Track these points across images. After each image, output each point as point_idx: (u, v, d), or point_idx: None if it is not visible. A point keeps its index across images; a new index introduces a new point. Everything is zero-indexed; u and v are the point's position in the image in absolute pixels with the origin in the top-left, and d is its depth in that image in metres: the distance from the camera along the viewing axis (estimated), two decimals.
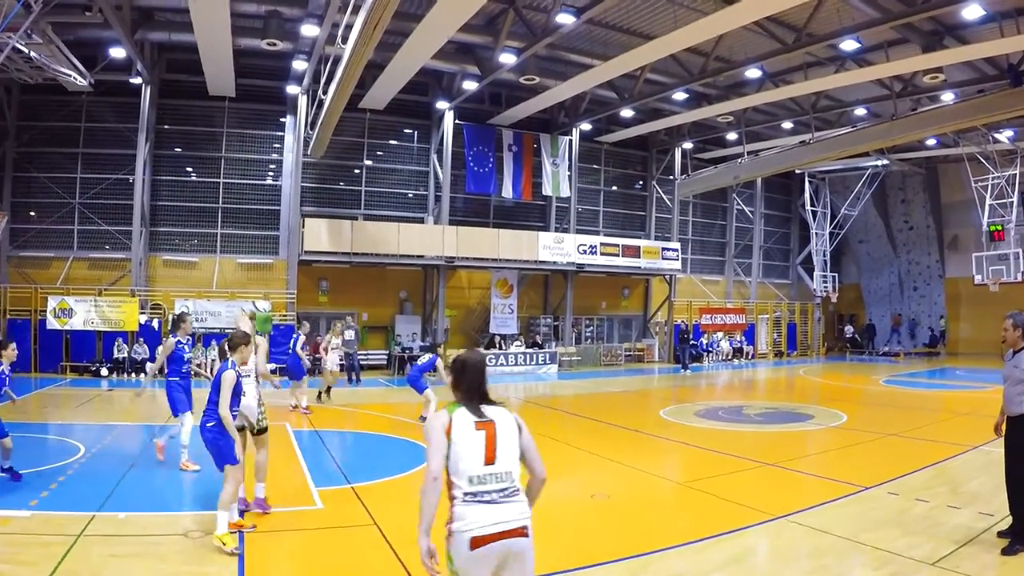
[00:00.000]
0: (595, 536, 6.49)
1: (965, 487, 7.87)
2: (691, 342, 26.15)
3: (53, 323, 20.62)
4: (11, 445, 7.98)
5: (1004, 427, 6.11)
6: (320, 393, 16.17)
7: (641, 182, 29.42)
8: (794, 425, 12.66)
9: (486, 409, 3.32)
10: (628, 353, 27.58)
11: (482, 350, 5.30)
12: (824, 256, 31.76)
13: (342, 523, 6.65)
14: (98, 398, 16.30)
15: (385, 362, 23.37)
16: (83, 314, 20.91)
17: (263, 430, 7.00)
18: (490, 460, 3.18)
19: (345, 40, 13.67)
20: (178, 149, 23.15)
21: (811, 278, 31.88)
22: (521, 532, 3.11)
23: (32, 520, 6.48)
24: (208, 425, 6.12)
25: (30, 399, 14.75)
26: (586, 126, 26.15)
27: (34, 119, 22.35)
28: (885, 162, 28.55)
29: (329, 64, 17.00)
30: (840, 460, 9.79)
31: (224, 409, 6.02)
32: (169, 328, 20.93)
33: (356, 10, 12.75)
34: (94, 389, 17.79)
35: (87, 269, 22.09)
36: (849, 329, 35.18)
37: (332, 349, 16.58)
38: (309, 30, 18.85)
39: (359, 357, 21.29)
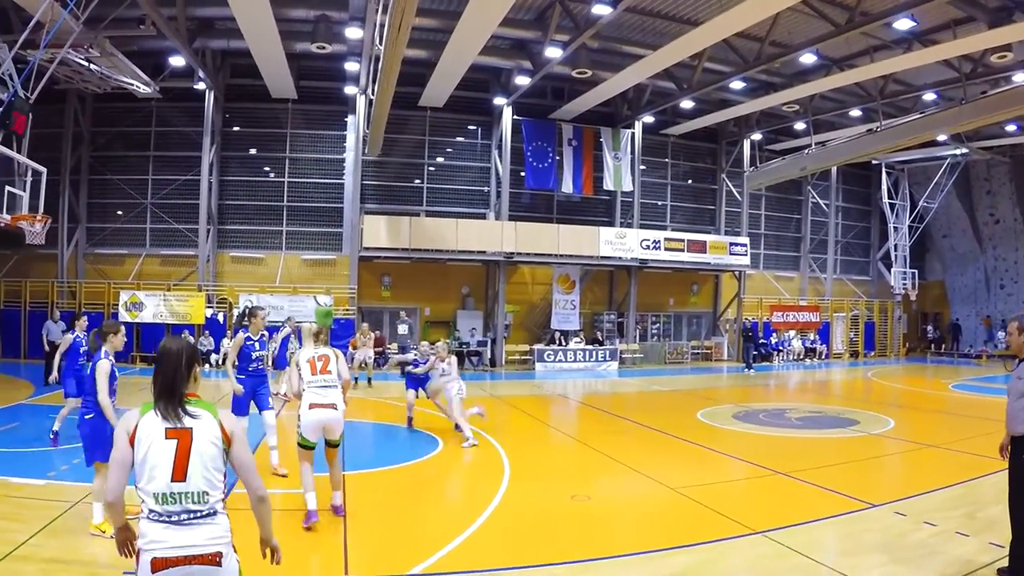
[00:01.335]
0: (552, 537, 6.22)
1: (984, 512, 6.85)
2: (758, 340, 25.02)
3: (124, 316, 21.44)
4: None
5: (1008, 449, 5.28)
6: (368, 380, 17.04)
7: (710, 175, 28.44)
8: (832, 431, 11.73)
9: (184, 413, 2.78)
10: (696, 351, 26.67)
11: (186, 338, 4.23)
12: (903, 251, 30.07)
13: (320, 507, 6.34)
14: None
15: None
16: (153, 308, 21.73)
17: (337, 443, 6.53)
18: (179, 477, 2.69)
19: (382, 41, 13.71)
20: (251, 151, 23.75)
21: (891, 274, 30.20)
22: (211, 559, 2.68)
23: (44, 488, 7.13)
24: (87, 417, 5.87)
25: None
26: (649, 119, 25.45)
27: (107, 125, 23.33)
28: (964, 150, 26.76)
29: (373, 63, 17.20)
30: (859, 472, 8.95)
31: (103, 397, 5.75)
32: (235, 322, 21.44)
33: (385, 10, 12.73)
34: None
35: (158, 265, 22.83)
36: (931, 329, 33.19)
37: (362, 346, 17.55)
38: (354, 32, 19.27)
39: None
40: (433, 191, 24.20)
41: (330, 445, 6.38)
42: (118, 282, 22.34)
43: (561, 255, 23.41)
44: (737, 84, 22.30)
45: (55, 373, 9.84)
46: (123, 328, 6.40)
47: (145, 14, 17.35)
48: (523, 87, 22.26)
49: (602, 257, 23.97)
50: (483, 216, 24.13)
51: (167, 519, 2.67)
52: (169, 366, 2.85)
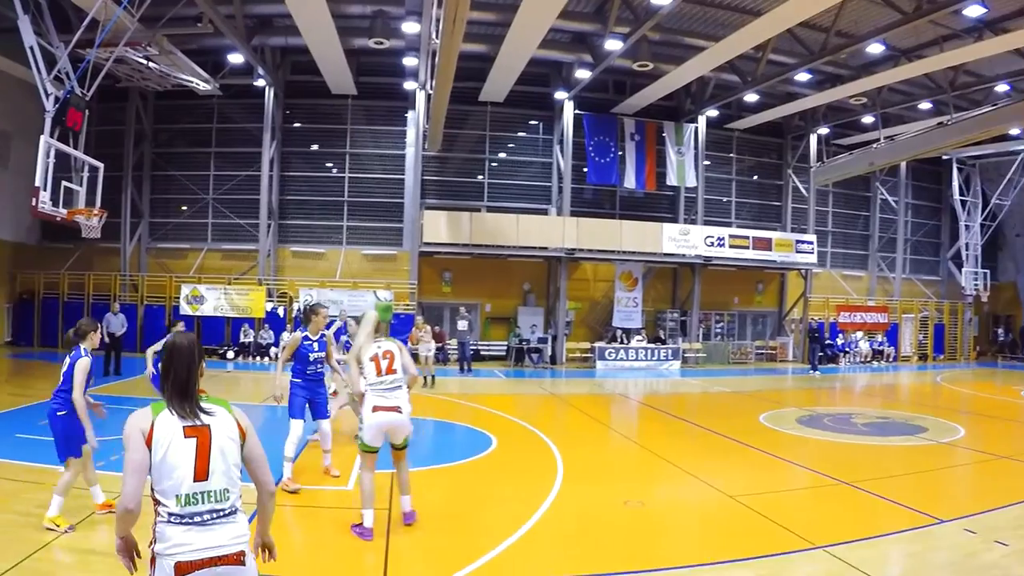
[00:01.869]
0: (602, 544, 5.84)
1: None
2: (824, 341, 24.10)
3: (186, 309, 21.58)
4: None
5: None
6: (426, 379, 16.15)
7: (776, 171, 27.56)
8: (899, 439, 10.94)
9: (200, 410, 2.68)
10: (760, 351, 25.83)
11: (188, 333, 3.35)
12: (975, 251, 28.79)
13: (357, 505, 5.99)
14: (216, 378, 16.71)
15: (504, 353, 22.80)
16: (213, 301, 21.81)
17: (404, 446, 6.00)
18: (201, 476, 2.58)
19: (439, 34, 13.47)
20: (311, 146, 23.76)
21: (962, 275, 28.93)
22: (236, 559, 2.60)
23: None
24: (59, 414, 5.72)
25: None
26: (713, 112, 24.78)
27: (169, 122, 23.50)
28: None
29: (431, 58, 17.04)
30: (928, 484, 8.25)
31: (78, 395, 5.61)
32: (296, 317, 21.37)
33: (441, 4, 12.49)
34: (219, 370, 18.49)
35: (220, 260, 22.91)
36: (1003, 332, 31.75)
37: (419, 340, 16.84)
38: (411, 27, 19.16)
39: (479, 347, 20.96)
40: (494, 187, 23.88)
41: (396, 448, 5.89)
42: (180, 276, 22.44)
43: (623, 251, 22.86)
44: (802, 76, 21.67)
45: (150, 367, 9.76)
46: (100, 325, 6.30)
47: (202, 12, 17.41)
48: (584, 81, 21.85)
49: (665, 254, 23.34)
50: (544, 212, 23.69)
51: (190, 520, 2.55)
52: (182, 363, 2.74)
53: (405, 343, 16.47)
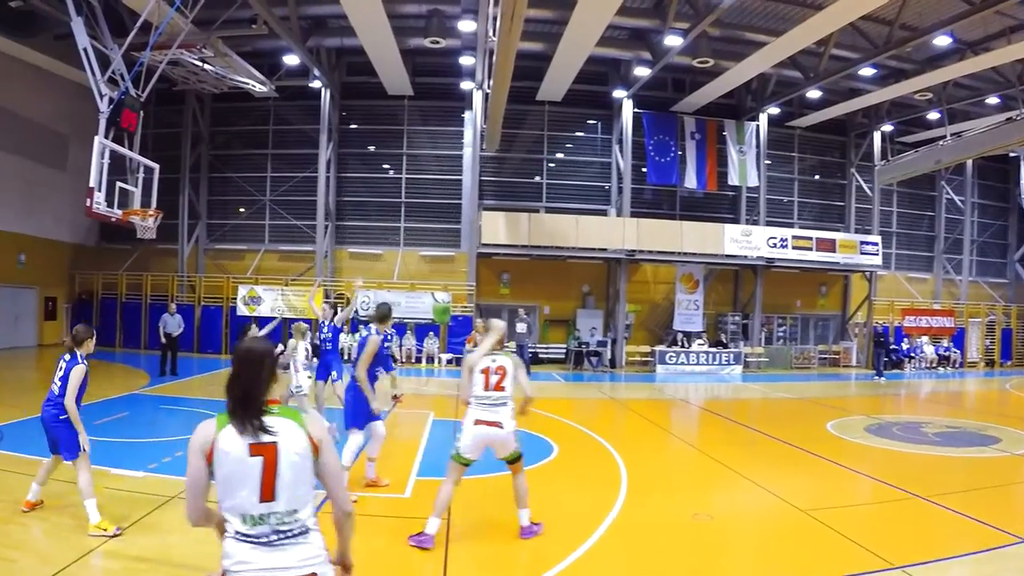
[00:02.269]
0: (671, 561, 5.59)
1: None
2: (889, 346, 23.27)
3: (243, 310, 21.58)
4: None
5: None
6: None
7: (839, 170, 26.76)
8: (973, 450, 10.33)
9: (267, 424, 2.42)
10: (823, 356, 25.07)
11: (260, 338, 3.52)
12: None
13: (413, 514, 6.03)
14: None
15: (563, 356, 22.38)
16: (270, 302, 21.76)
17: (512, 459, 5.79)
18: (267, 497, 2.39)
19: (496, 33, 13.15)
20: (368, 147, 23.61)
21: None
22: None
23: (142, 481, 7.01)
24: (61, 418, 5.78)
25: (216, 376, 14.95)
26: (774, 110, 24.10)
27: (226, 124, 23.53)
28: None
29: (488, 57, 16.75)
30: (1006, 499, 7.71)
31: (70, 401, 5.73)
32: (350, 320, 21.19)
33: (497, 2, 12.23)
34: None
35: (277, 261, 22.87)
36: None
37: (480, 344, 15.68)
38: (467, 26, 18.95)
39: (537, 350, 20.58)
40: (553, 187, 23.50)
41: (507, 461, 5.76)
42: (237, 277, 22.43)
43: (684, 253, 22.28)
44: (866, 71, 20.95)
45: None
46: (94, 333, 6.29)
47: (256, 14, 17.31)
48: (643, 79, 21.40)
49: (727, 255, 22.71)
50: (604, 212, 23.23)
51: (256, 540, 2.39)
52: (249, 373, 2.48)
53: (462, 346, 16.04)
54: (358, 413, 6.92)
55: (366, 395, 6.85)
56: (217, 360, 19.50)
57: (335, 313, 11.29)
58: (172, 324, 16.68)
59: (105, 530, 5.52)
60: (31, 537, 5.46)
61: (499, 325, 5.99)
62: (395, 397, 12.06)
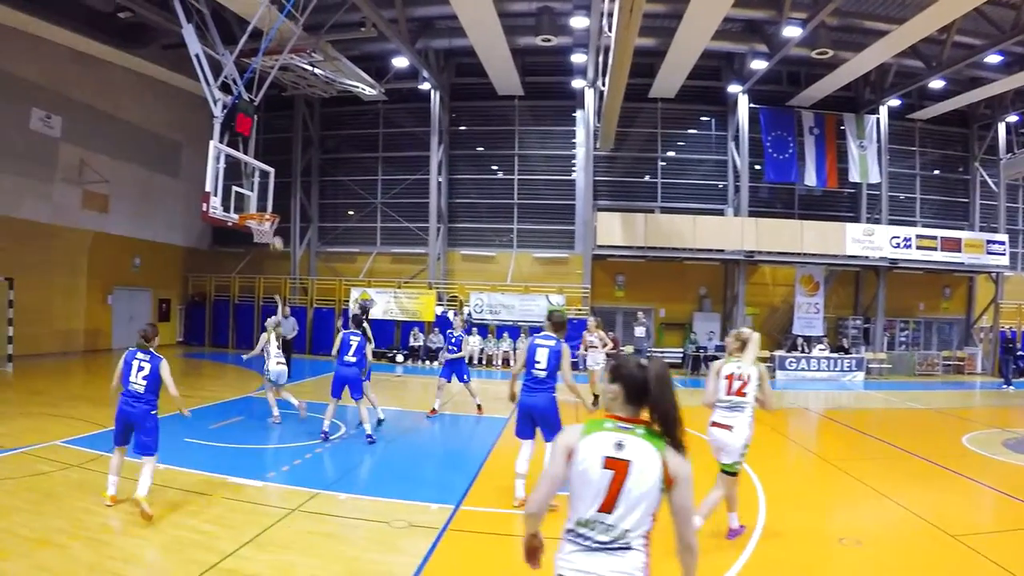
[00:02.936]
0: None
1: None
2: (1017, 352, 21.99)
3: (355, 312, 21.38)
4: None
5: None
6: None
7: (961, 164, 25.47)
8: None
9: (627, 443, 2.57)
10: (947, 362, 23.89)
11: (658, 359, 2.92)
12: None
13: (544, 533, 5.37)
14: (386, 382, 16.58)
15: (680, 360, 21.83)
16: (383, 304, 21.76)
17: (728, 470, 5.83)
18: (606, 508, 2.56)
19: (611, 28, 12.65)
20: (479, 149, 23.51)
21: None
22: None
23: (261, 490, 6.96)
24: (152, 413, 6.19)
25: (326, 379, 14.73)
26: (894, 102, 23.04)
27: (336, 128, 23.69)
28: None
29: (601, 54, 16.44)
30: None
31: (174, 390, 6.20)
32: (465, 321, 21.03)
33: None
34: (387, 374, 18.29)
35: (389, 263, 22.96)
36: None
37: (591, 347, 14.26)
38: (579, 22, 18.69)
39: (654, 355, 19.86)
40: (667, 186, 22.96)
41: (724, 471, 5.88)
42: (349, 279, 22.57)
43: (804, 254, 21.45)
44: (991, 59, 19.76)
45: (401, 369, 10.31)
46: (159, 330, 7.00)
47: (364, 17, 17.30)
48: (759, 72, 20.67)
49: (848, 256, 21.76)
50: (720, 212, 22.57)
51: (580, 541, 2.59)
52: (666, 392, 2.61)
53: (576, 348, 15.57)
54: (556, 425, 6.61)
55: (581, 399, 6.79)
56: (327, 363, 19.50)
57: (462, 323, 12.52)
58: (287, 327, 16.78)
59: (143, 505, 5.77)
60: (147, 551, 5.34)
61: (755, 336, 6.05)
62: (479, 407, 11.95)
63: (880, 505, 7.50)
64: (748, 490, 7.71)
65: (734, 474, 5.84)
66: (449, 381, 12.03)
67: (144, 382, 6.12)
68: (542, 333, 6.90)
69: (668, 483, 2.55)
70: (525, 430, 6.81)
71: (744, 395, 5.76)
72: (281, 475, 7.60)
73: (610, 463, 2.54)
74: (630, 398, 2.62)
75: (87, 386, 15.36)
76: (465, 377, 12.16)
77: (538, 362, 6.70)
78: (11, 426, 9.57)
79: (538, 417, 6.71)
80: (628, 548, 2.55)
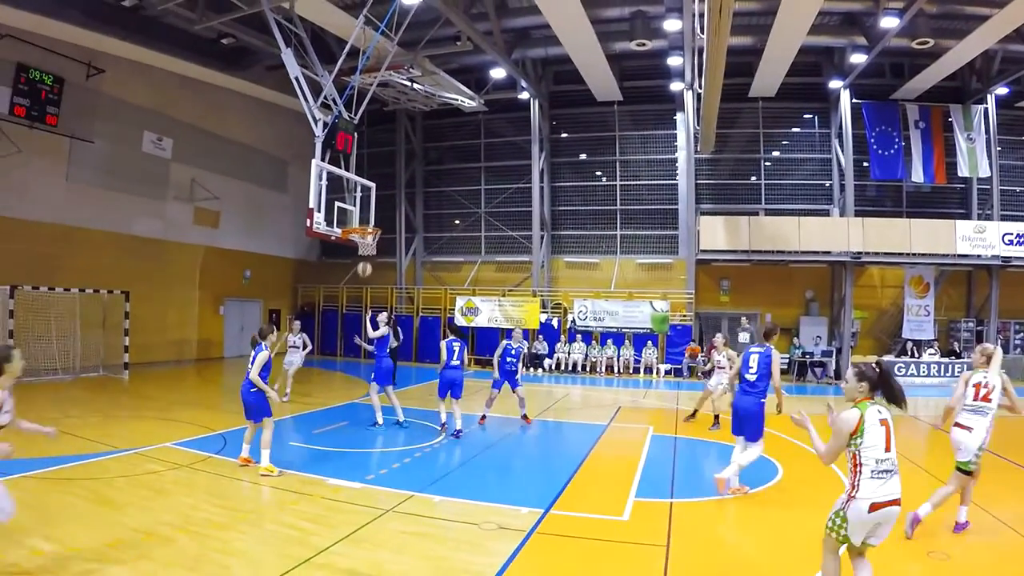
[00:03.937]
0: None
1: None
2: None
3: (460, 320, 22.32)
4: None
5: None
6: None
7: None
8: None
9: (883, 411, 4.16)
10: None
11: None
12: None
13: (631, 539, 6.14)
14: (486, 390, 16.71)
15: (786, 366, 21.74)
16: (487, 312, 22.35)
17: (962, 468, 6.45)
18: (887, 449, 4.07)
19: (703, 29, 12.61)
20: (580, 156, 23.84)
21: None
22: (898, 502, 4.02)
23: (359, 492, 7.29)
24: (252, 391, 7.95)
25: (431, 386, 14.73)
26: (1002, 90, 22.19)
27: (438, 140, 24.33)
28: None
29: (696, 56, 16.43)
30: None
31: (255, 375, 7.88)
32: (568, 329, 21.46)
33: None
34: (489, 380, 18.38)
35: (493, 271, 23.52)
36: None
37: (718, 368, 12.22)
38: (672, 25, 18.54)
39: None
40: (770, 187, 22.80)
41: (960, 468, 6.50)
42: (454, 288, 23.24)
43: (913, 254, 21.00)
44: None
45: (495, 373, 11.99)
46: (275, 329, 9.02)
47: (460, 31, 17.72)
48: (859, 66, 20.20)
49: (958, 255, 21.16)
50: (825, 212, 22.31)
51: (881, 475, 4.04)
52: (894, 383, 4.25)
53: (682, 356, 15.52)
54: (756, 429, 7.52)
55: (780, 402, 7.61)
56: (434, 370, 19.88)
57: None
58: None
59: (271, 472, 7.66)
60: (247, 545, 5.64)
61: (998, 351, 6.76)
62: (524, 417, 11.94)
63: (976, 519, 7.02)
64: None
65: (968, 472, 6.40)
66: (499, 390, 12.00)
67: (250, 366, 8.03)
68: (755, 342, 7.90)
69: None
70: (735, 427, 7.76)
71: (989, 400, 6.42)
72: (379, 477, 7.92)
73: (883, 423, 4.08)
74: (873, 387, 4.15)
75: (197, 392, 16.49)
76: (517, 386, 12.04)
77: (751, 367, 7.60)
78: (125, 429, 10.30)
79: (743, 418, 7.56)
80: (896, 472, 4.08)
